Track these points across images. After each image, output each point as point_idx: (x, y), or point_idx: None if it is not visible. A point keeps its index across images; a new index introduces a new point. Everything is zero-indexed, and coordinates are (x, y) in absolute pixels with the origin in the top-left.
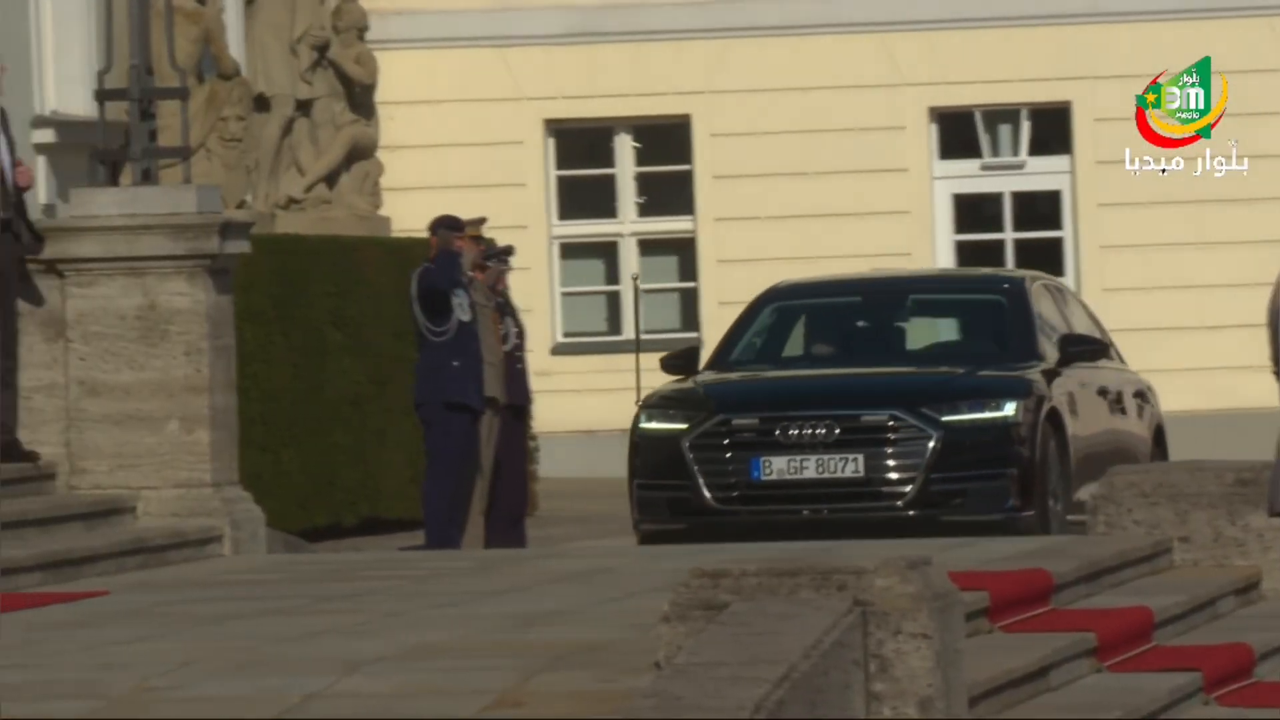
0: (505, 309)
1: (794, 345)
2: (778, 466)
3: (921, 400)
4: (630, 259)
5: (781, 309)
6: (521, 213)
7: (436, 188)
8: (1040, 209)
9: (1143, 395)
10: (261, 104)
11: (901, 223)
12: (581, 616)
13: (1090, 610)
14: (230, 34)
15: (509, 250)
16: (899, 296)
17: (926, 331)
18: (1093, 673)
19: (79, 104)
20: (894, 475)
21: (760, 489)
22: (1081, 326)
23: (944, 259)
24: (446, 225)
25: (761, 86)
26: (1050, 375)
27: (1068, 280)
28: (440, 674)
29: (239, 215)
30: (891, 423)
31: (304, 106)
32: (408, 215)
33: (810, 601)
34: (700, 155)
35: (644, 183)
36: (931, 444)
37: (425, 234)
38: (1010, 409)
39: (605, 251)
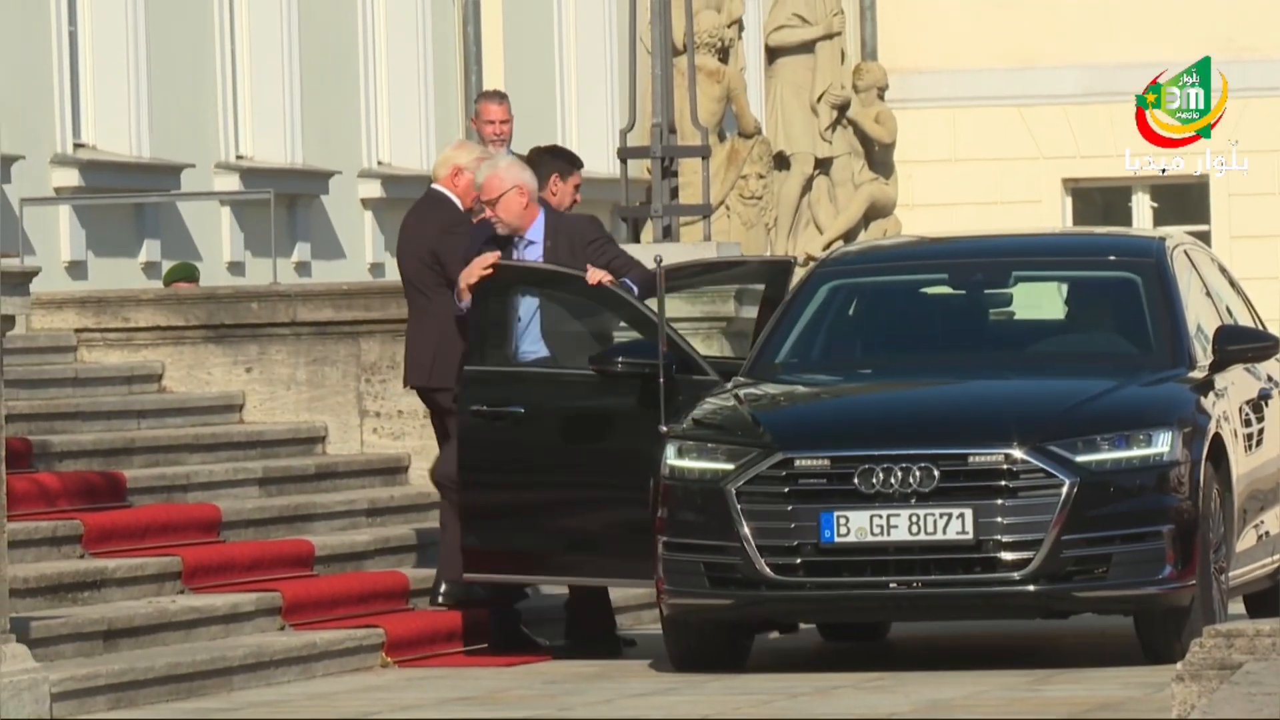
0: None
1: (860, 339)
2: (856, 524)
3: (1048, 432)
4: None
5: (841, 289)
6: None
7: None
8: None
9: None
10: (781, 162)
11: None
12: (1093, 675)
13: None
14: (751, 92)
15: None
16: (999, 273)
17: (1037, 323)
18: None
19: (602, 162)
20: (1012, 537)
21: (833, 554)
22: (1229, 304)
23: None
24: None
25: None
26: (1205, 387)
27: None
28: None
29: None
30: (1009, 465)
31: (823, 165)
32: None
33: None
34: (1218, 215)
35: None
36: (1063, 494)
37: None
38: (1164, 442)
39: None
